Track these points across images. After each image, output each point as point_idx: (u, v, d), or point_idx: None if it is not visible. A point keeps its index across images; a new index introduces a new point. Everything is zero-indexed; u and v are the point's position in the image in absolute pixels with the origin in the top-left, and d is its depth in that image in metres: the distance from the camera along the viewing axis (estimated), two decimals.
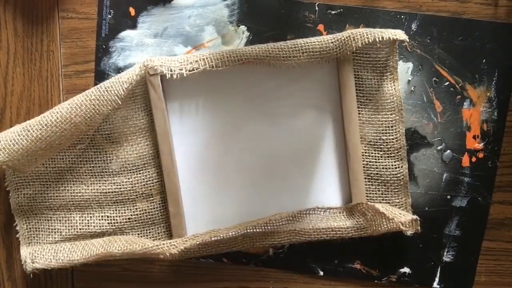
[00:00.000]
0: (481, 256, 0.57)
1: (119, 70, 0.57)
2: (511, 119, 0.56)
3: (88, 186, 0.56)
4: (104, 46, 0.57)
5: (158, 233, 0.57)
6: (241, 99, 0.56)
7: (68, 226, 0.57)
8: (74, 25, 0.57)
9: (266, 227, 0.55)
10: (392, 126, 0.55)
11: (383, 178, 0.55)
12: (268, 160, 0.56)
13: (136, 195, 0.56)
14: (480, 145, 0.56)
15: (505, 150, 0.56)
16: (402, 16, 0.54)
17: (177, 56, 0.55)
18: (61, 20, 0.57)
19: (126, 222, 0.57)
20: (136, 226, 0.57)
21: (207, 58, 0.52)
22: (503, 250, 0.58)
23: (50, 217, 0.57)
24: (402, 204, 0.56)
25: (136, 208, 0.56)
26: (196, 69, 0.52)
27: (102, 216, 0.57)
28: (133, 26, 0.56)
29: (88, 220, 0.57)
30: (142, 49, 0.56)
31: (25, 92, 0.58)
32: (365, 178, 0.55)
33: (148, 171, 0.56)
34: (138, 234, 0.57)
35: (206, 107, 0.56)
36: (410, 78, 0.55)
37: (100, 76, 0.57)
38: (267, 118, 0.56)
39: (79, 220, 0.57)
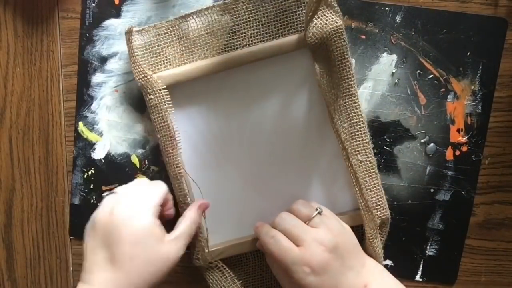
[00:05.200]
0: (481, 256, 0.57)
1: (102, 59, 0.57)
2: (511, 118, 0.56)
3: None
4: (87, 35, 0.56)
5: None
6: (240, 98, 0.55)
7: None
8: (74, 25, 0.57)
9: None
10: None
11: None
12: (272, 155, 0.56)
13: None
14: (464, 139, 0.56)
15: (505, 150, 0.56)
16: (387, 8, 0.54)
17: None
18: (61, 20, 0.57)
19: None
20: None
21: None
22: (503, 250, 0.58)
23: None
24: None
25: None
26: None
27: None
28: (117, 15, 0.56)
29: None
30: None
31: (25, 92, 0.58)
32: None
33: None
34: None
35: (204, 112, 0.55)
36: (394, 71, 0.55)
37: (83, 64, 0.57)
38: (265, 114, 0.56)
39: None
